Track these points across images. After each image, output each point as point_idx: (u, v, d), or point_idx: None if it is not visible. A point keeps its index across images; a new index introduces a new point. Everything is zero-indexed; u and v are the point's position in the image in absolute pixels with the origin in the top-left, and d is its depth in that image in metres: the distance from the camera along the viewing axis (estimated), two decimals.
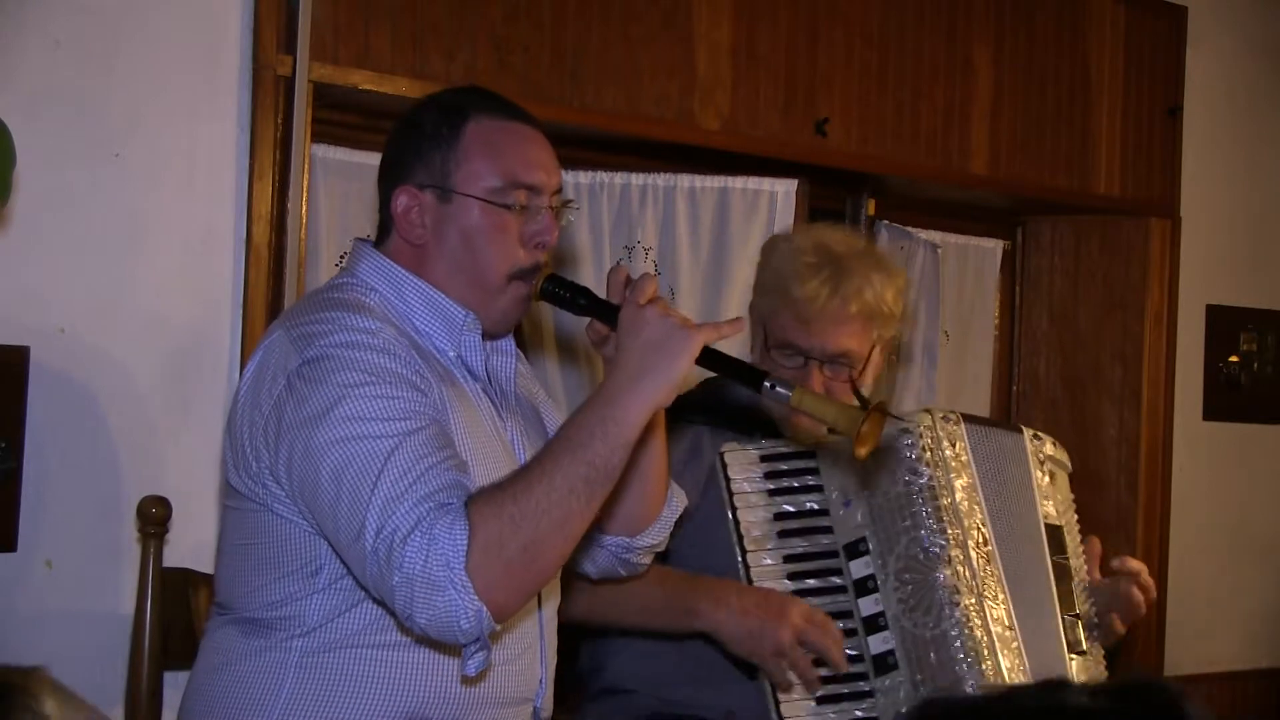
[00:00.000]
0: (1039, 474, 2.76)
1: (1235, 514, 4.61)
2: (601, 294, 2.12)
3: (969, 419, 2.71)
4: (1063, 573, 2.70)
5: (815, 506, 2.60)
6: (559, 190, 2.19)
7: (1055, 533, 2.72)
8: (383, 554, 1.84)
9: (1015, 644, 2.55)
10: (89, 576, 2.76)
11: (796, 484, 2.61)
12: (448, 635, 1.87)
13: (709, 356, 2.03)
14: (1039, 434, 2.83)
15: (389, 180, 2.17)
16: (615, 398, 1.94)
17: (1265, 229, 4.72)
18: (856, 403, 2.13)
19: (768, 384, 2.04)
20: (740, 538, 2.56)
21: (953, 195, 4.21)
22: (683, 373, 1.97)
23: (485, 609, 1.84)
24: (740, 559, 2.55)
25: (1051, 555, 2.69)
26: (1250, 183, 4.67)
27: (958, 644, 2.50)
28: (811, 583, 2.56)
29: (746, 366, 2.10)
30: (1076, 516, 2.81)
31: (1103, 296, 4.46)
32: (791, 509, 2.60)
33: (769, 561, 2.55)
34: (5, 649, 2.68)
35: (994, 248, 4.50)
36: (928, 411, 2.65)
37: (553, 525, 1.88)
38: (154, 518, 2.61)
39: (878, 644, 2.52)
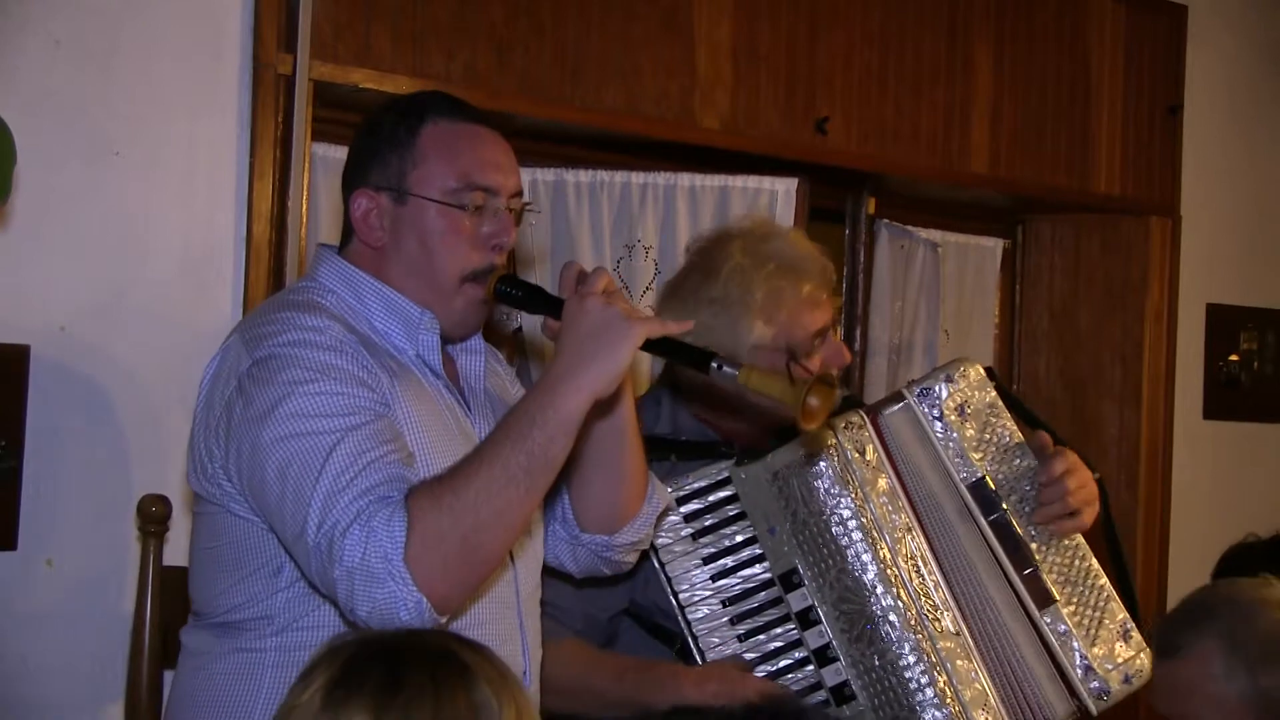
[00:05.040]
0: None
1: (1235, 513, 4.60)
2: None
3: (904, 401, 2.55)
4: (1004, 531, 2.51)
5: (742, 538, 2.55)
6: (519, 193, 2.18)
7: (981, 489, 2.52)
8: (324, 548, 1.86)
9: (965, 646, 2.48)
10: (89, 576, 2.76)
11: (719, 519, 2.56)
12: (389, 628, 1.86)
13: (655, 342, 2.01)
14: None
15: (349, 184, 2.18)
16: (554, 386, 1.94)
17: (1265, 228, 4.72)
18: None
19: (715, 364, 2.02)
20: (675, 594, 2.51)
21: (953, 194, 4.21)
22: (624, 361, 1.96)
23: (425, 600, 1.84)
24: (680, 617, 2.51)
25: (985, 517, 2.51)
26: (1250, 182, 4.67)
27: (908, 670, 2.45)
28: (757, 620, 2.52)
29: (692, 348, 2.07)
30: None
31: (1103, 295, 4.45)
32: (719, 548, 2.55)
33: (705, 612, 2.52)
34: (5, 649, 2.68)
35: (994, 247, 4.50)
36: (830, 428, 2.54)
37: (492, 515, 1.88)
38: (154, 516, 2.61)
39: (832, 675, 2.49)
